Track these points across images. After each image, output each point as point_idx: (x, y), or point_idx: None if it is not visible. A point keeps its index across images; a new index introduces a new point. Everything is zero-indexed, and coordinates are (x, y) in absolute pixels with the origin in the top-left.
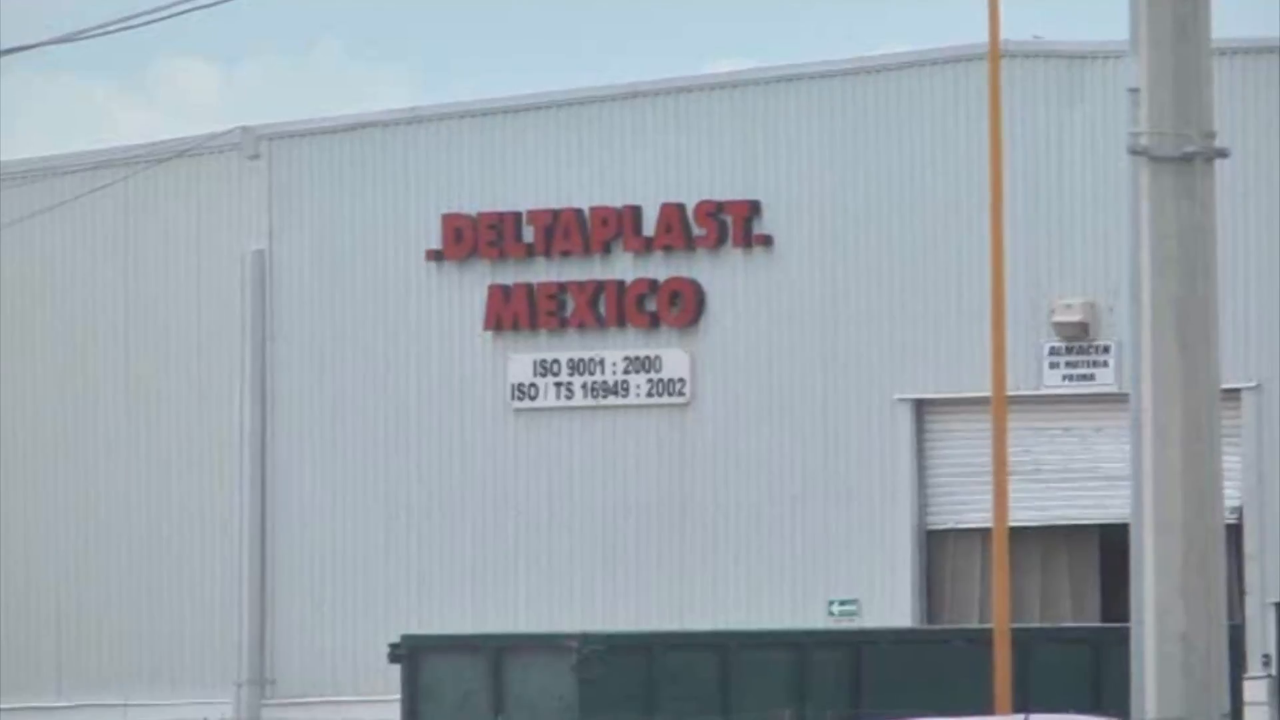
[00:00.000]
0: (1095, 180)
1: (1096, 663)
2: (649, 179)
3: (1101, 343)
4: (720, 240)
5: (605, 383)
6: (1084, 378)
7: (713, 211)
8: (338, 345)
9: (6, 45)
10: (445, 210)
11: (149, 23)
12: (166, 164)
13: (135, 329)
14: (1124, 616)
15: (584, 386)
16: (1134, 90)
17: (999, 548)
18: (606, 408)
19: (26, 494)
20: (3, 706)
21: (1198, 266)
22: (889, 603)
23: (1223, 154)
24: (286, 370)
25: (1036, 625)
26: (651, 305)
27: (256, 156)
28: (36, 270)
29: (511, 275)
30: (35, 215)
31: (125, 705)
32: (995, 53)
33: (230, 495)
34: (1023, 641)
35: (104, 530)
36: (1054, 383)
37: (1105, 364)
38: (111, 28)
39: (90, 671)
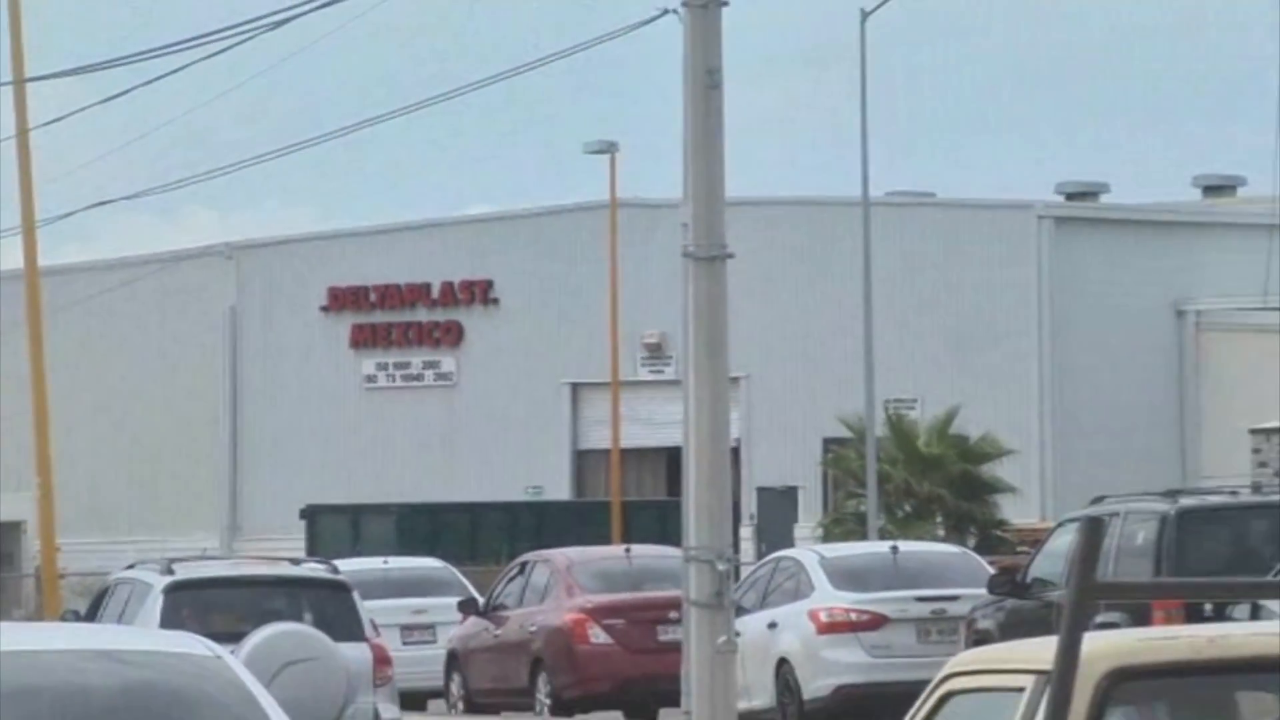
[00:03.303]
0: (667, 273)
1: (664, 518)
2: (436, 268)
3: (668, 354)
4: (472, 300)
5: (413, 374)
6: (658, 371)
7: (469, 284)
8: (278, 358)
9: (97, 200)
10: (329, 285)
11: (183, 185)
12: (181, 262)
13: (168, 350)
14: (679, 494)
15: (402, 376)
16: (685, 223)
17: (614, 462)
18: (413, 388)
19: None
20: (88, 541)
21: (716, 316)
22: (558, 488)
23: (731, 256)
24: (249, 373)
25: (636, 499)
26: (436, 334)
27: (230, 258)
28: (100, 322)
29: (365, 319)
30: (108, 291)
31: (162, 541)
32: (614, 202)
33: (219, 436)
34: (629, 509)
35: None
36: (644, 375)
37: (670, 364)
38: (156, 190)
39: (156, 515)
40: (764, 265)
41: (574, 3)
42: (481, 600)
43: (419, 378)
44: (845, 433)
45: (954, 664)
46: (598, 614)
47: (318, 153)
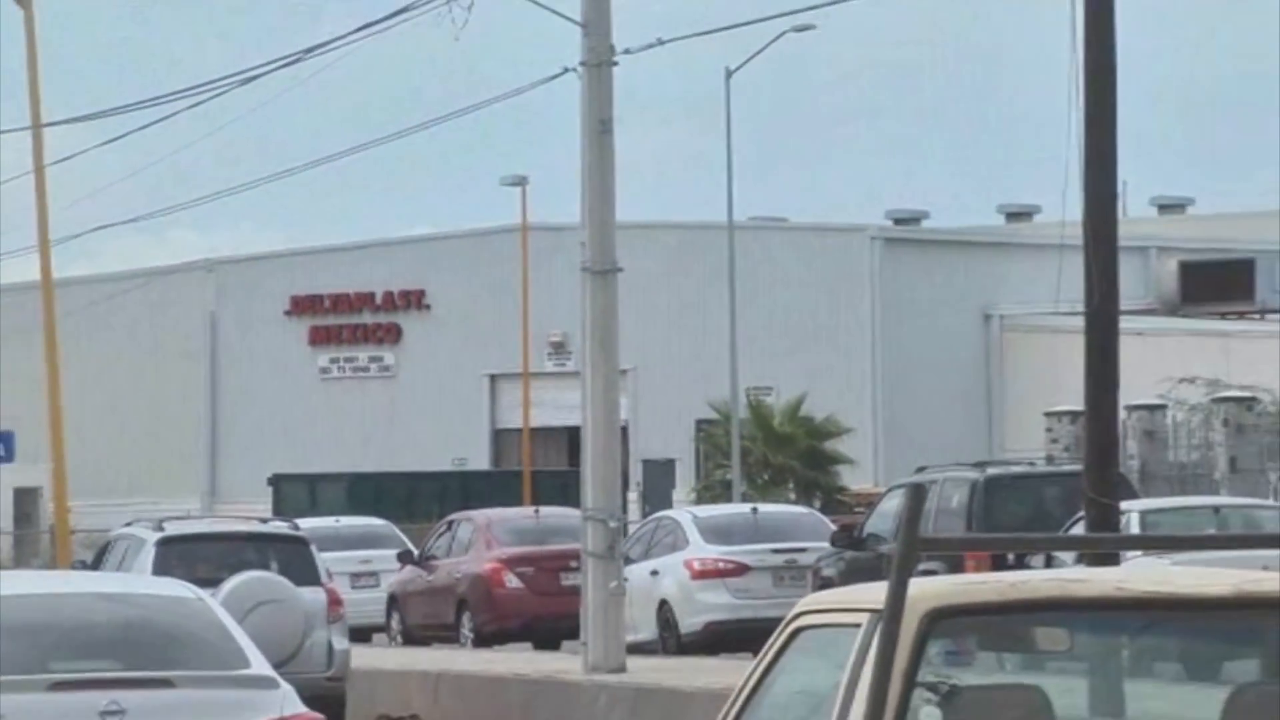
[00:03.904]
0: (569, 284)
1: (565, 485)
2: (379, 279)
3: (569, 350)
4: (409, 306)
5: (360, 366)
6: (562, 364)
7: (406, 293)
8: (249, 354)
9: (99, 224)
10: (293, 293)
11: (171, 211)
12: (170, 275)
13: (161, 343)
14: (579, 465)
15: (351, 369)
16: (583, 243)
17: (525, 438)
18: (360, 378)
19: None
20: (93, 503)
21: (608, 319)
22: (479, 460)
23: (620, 270)
24: (226, 366)
25: (543, 469)
26: (379, 334)
27: (210, 271)
28: (100, 327)
29: (320, 322)
30: (107, 300)
31: (154, 503)
32: (525, 226)
33: (201, 417)
34: (537, 477)
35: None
36: (549, 367)
37: (571, 358)
38: (150, 215)
39: (149, 482)
40: (648, 278)
41: (496, 55)
42: (416, 552)
43: (365, 370)
44: (714, 415)
45: (803, 604)
46: (511, 563)
47: (283, 184)
